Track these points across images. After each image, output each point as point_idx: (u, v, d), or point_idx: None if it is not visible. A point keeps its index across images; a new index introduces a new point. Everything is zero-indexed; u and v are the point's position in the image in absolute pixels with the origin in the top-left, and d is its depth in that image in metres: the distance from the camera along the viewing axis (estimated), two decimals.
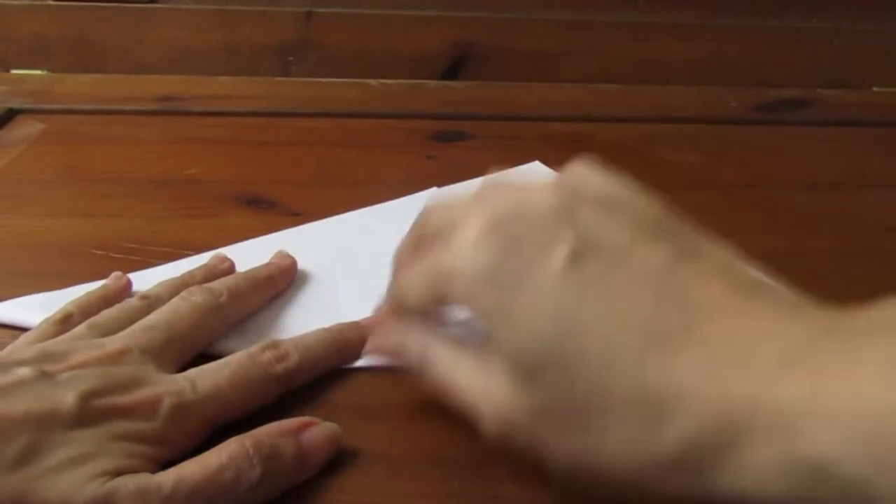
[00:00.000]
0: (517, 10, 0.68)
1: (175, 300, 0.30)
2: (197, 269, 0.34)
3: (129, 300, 0.31)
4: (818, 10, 0.69)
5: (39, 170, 0.48)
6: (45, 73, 0.65)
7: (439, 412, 0.29)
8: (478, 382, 0.23)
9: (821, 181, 0.51)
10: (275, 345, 0.28)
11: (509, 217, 0.22)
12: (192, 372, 0.27)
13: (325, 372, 0.29)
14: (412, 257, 0.27)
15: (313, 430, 0.26)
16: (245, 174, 0.48)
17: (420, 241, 0.27)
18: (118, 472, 0.22)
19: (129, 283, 0.34)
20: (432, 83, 0.67)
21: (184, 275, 0.34)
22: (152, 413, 0.24)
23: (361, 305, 0.33)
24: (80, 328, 0.28)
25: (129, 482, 0.21)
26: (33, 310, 0.32)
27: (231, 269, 0.35)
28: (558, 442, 0.21)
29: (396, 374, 0.31)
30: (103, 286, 0.33)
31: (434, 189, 0.48)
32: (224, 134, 0.54)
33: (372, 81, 0.65)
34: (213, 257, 0.36)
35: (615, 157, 0.52)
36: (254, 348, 0.28)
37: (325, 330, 0.31)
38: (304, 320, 0.33)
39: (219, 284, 0.32)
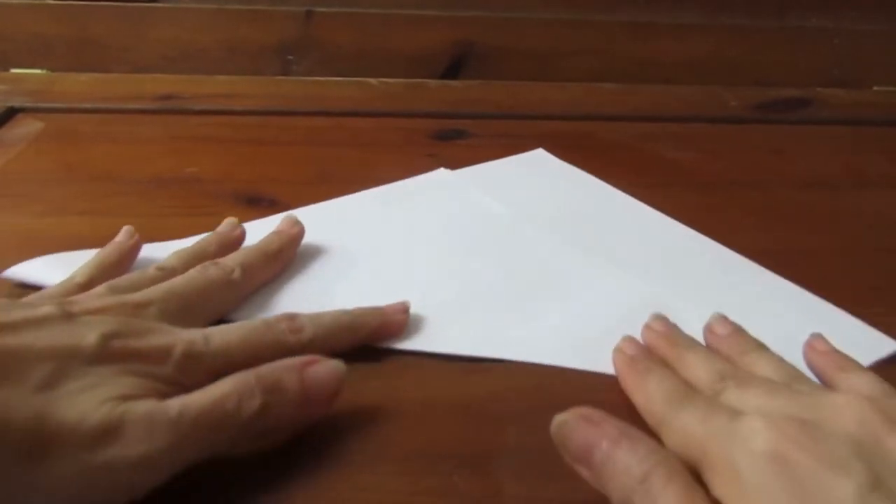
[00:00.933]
0: (517, 9, 0.68)
1: (191, 272, 0.32)
2: (210, 236, 0.36)
3: (146, 269, 0.32)
4: (818, 10, 0.69)
5: (39, 169, 0.48)
6: (45, 72, 0.65)
7: (440, 409, 0.29)
8: None
9: (821, 180, 0.51)
10: (292, 317, 0.30)
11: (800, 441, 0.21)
12: (209, 329, 0.28)
13: (338, 351, 0.29)
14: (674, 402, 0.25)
15: (317, 367, 0.26)
16: (245, 173, 0.48)
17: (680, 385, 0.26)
18: (129, 399, 0.23)
19: (139, 242, 0.36)
20: (433, 82, 0.67)
21: (197, 244, 0.35)
22: (165, 359, 0.25)
23: (372, 285, 0.36)
24: (100, 288, 0.30)
25: (139, 406, 0.23)
26: (52, 269, 0.34)
27: (242, 237, 0.37)
28: None
29: (395, 369, 0.31)
30: (117, 244, 0.35)
31: (442, 170, 0.49)
32: (224, 133, 0.54)
33: (372, 80, 0.65)
34: (224, 224, 0.37)
35: (615, 156, 0.53)
36: (272, 317, 0.29)
37: (344, 312, 0.31)
38: (321, 297, 0.35)
39: (231, 261, 0.33)
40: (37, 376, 0.22)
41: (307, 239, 0.39)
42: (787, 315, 0.35)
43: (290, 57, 0.67)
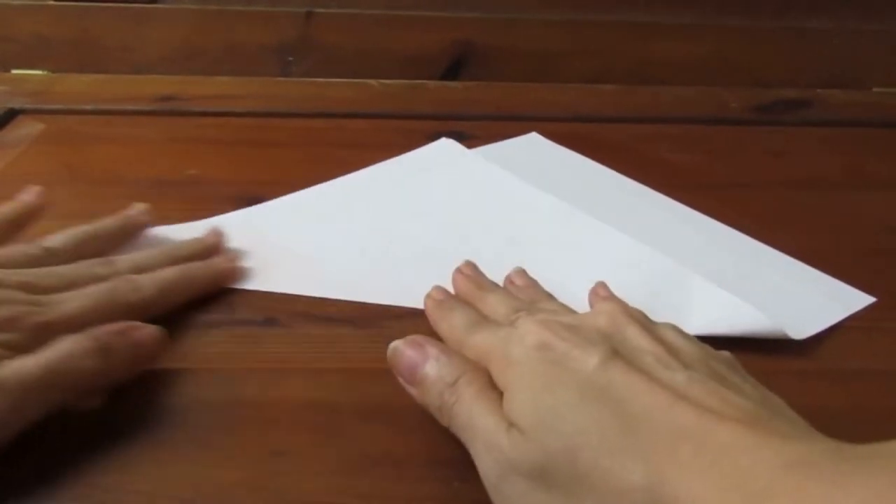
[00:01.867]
0: (517, 10, 0.68)
1: (97, 288, 0.31)
2: (112, 221, 0.38)
3: (30, 246, 0.33)
4: (818, 10, 0.69)
5: (39, 170, 0.48)
6: (45, 73, 0.65)
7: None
8: (491, 424, 0.24)
9: (820, 181, 0.51)
10: (129, 279, 0.32)
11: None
12: (57, 296, 0.30)
13: (180, 304, 0.34)
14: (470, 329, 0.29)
15: (141, 329, 0.29)
16: (245, 174, 0.48)
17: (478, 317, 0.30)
18: None
19: (41, 203, 0.37)
20: (432, 83, 0.67)
21: (95, 226, 0.37)
22: (13, 327, 0.27)
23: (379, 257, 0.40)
24: None
25: None
26: None
27: (144, 225, 0.40)
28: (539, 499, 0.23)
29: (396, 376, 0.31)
30: (22, 203, 0.36)
31: (444, 139, 0.52)
32: (224, 134, 0.54)
33: (371, 81, 0.65)
34: (131, 208, 0.39)
35: (615, 156, 0.53)
36: (113, 280, 0.32)
37: (176, 269, 0.35)
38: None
39: (149, 283, 0.33)
40: None
41: (322, 217, 0.42)
42: (767, 274, 0.39)
43: (290, 58, 0.67)
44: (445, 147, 0.52)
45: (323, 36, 0.66)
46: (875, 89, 0.70)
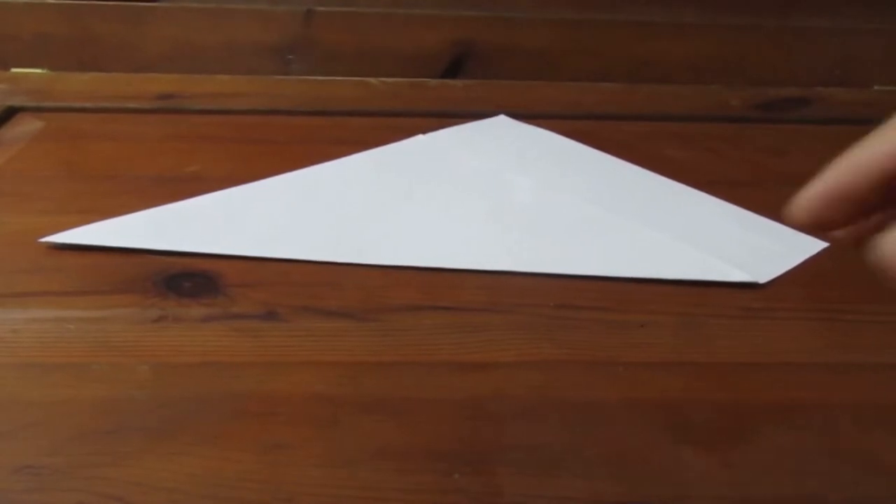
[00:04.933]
0: (518, 8, 0.68)
1: None
2: None
3: None
4: (819, 9, 0.69)
5: (40, 168, 0.48)
6: (45, 71, 0.65)
7: (441, 407, 0.29)
8: None
9: None
10: None
11: None
12: None
13: None
14: None
15: None
16: (245, 172, 0.48)
17: None
18: None
19: None
20: (433, 82, 0.67)
21: None
22: None
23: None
24: None
25: None
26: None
27: None
28: None
29: (396, 368, 0.31)
30: None
31: (420, 136, 0.53)
32: (224, 132, 0.54)
33: (372, 80, 0.65)
34: None
35: (616, 155, 0.53)
36: None
37: None
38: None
39: None
40: None
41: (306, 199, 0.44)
42: (725, 224, 0.43)
43: (290, 56, 0.67)
44: (421, 143, 0.53)
45: (323, 34, 0.66)
46: (876, 87, 0.70)
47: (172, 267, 0.38)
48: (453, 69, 0.68)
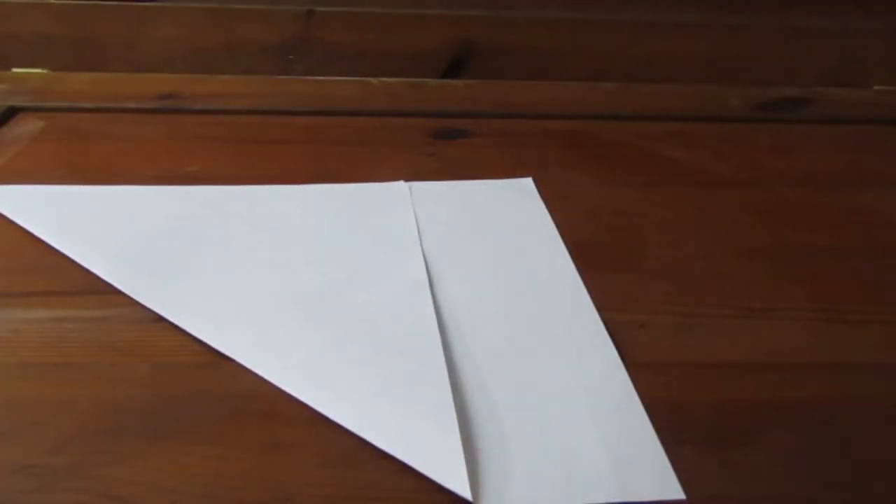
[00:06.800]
0: (517, 8, 0.68)
1: None
2: None
3: None
4: (819, 9, 0.69)
5: (40, 167, 0.48)
6: (45, 71, 0.65)
7: None
8: None
9: (822, 179, 0.51)
10: None
11: None
12: None
13: None
14: None
15: None
16: (245, 172, 0.48)
17: None
18: None
19: None
20: (433, 81, 0.67)
21: None
22: None
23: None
24: None
25: None
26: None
27: None
28: None
29: None
30: None
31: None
32: (225, 132, 0.54)
33: (372, 80, 0.65)
34: None
35: (615, 155, 0.53)
36: None
37: None
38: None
39: None
40: None
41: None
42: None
43: (291, 56, 0.67)
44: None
45: (324, 34, 0.66)
46: (876, 87, 0.70)
47: None
48: (453, 69, 0.68)
